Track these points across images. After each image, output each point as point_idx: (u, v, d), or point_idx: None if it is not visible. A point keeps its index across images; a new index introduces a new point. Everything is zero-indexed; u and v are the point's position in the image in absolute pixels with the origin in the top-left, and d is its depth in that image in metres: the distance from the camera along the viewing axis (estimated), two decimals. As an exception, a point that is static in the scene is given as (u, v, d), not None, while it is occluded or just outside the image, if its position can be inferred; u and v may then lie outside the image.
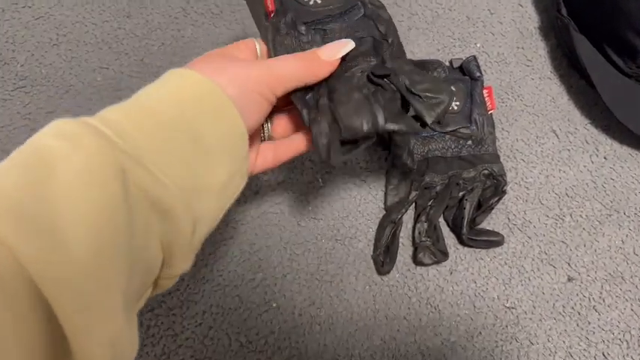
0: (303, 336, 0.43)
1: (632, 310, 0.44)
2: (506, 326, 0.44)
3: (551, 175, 0.49)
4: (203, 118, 0.26)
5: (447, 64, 0.50)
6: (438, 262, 0.45)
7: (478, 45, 0.53)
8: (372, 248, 0.46)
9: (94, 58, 0.51)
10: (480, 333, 0.43)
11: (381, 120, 0.30)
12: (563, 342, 0.43)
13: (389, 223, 0.45)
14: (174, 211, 0.24)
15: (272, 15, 0.33)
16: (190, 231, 0.25)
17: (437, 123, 0.32)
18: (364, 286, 0.45)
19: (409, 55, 0.53)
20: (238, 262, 0.45)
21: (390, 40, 0.35)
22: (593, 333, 0.43)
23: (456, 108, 0.48)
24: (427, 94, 0.32)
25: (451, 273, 0.45)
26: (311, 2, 0.34)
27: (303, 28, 0.33)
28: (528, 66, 0.53)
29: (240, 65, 0.29)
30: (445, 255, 0.44)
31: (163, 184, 0.24)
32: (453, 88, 0.48)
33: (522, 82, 0.52)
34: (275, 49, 0.32)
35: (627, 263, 0.45)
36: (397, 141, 0.46)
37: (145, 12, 0.53)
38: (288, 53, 0.32)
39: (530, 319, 0.44)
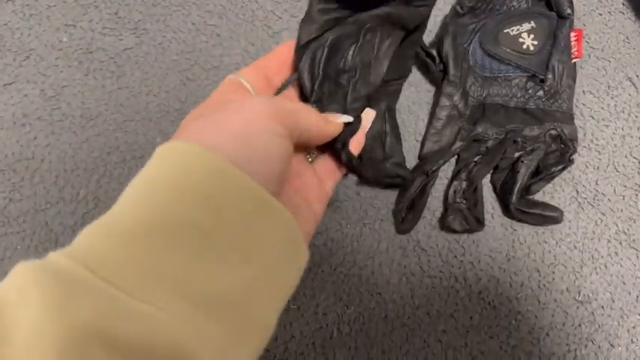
0: (330, 340, 0.37)
1: None
2: (580, 325, 0.37)
3: (629, 135, 0.40)
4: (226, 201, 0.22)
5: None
6: (470, 231, 0.37)
7: (531, -26, 0.43)
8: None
9: (57, 14, 0.42)
10: (548, 335, 0.36)
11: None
12: (650, 341, 0.36)
13: (420, 174, 0.37)
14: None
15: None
16: None
17: None
18: (400, 277, 0.38)
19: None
20: (248, 258, 0.38)
21: None
22: (687, 329, 0.36)
23: (532, 48, 0.39)
24: None
25: (508, 260, 0.38)
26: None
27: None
28: (595, -3, 0.43)
29: (244, 105, 0.25)
30: (481, 224, 0.37)
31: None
32: (533, 24, 0.39)
33: (587, 19, 0.43)
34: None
35: None
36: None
37: (116, -48, 0.43)
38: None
39: (609, 315, 0.37)
